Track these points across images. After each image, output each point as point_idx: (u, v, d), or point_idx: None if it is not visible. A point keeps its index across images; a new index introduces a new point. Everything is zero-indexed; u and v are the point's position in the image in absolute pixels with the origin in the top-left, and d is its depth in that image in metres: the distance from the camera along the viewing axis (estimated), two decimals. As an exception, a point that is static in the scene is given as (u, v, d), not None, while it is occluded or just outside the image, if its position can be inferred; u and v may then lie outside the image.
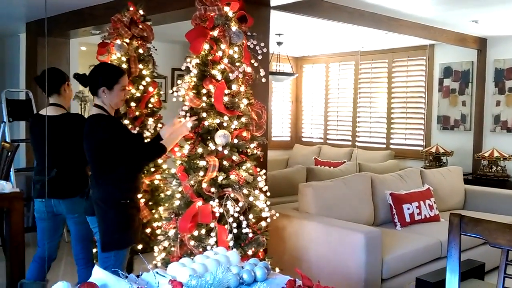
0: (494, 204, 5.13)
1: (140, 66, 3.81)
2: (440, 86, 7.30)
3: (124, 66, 3.74)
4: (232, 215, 2.84)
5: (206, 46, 2.96)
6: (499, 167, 6.34)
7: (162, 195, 3.68)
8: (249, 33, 3.04)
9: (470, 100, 6.98)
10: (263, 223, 3.02)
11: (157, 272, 1.69)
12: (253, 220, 2.97)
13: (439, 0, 4.78)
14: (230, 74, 2.91)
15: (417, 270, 3.79)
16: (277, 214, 3.12)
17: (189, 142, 2.96)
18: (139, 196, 3.23)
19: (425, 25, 5.83)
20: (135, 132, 3.57)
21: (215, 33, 2.94)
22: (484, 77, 6.83)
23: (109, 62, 3.79)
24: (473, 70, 6.95)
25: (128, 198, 2.81)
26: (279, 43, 7.04)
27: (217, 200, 2.86)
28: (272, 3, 3.97)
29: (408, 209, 4.44)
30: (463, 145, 6.98)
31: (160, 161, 3.87)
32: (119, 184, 2.78)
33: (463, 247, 1.80)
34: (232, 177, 2.90)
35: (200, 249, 2.80)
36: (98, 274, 1.66)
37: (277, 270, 2.88)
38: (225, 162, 2.91)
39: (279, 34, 6.65)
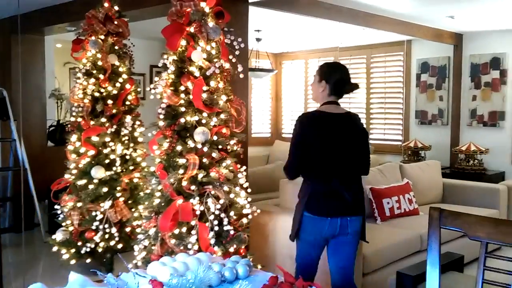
0: (471, 197, 5.21)
1: (117, 62, 3.75)
2: (417, 81, 7.37)
3: (100, 63, 3.69)
4: (213, 213, 2.81)
5: (183, 42, 2.92)
6: (476, 161, 6.43)
7: (141, 193, 3.64)
8: (226, 29, 3.01)
9: (447, 95, 7.07)
10: (244, 220, 3.00)
11: (136, 273, 1.66)
12: (234, 217, 2.95)
13: (416, -5, 4.82)
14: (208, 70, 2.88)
15: (397, 263, 3.82)
16: (258, 211, 3.10)
17: (167, 140, 2.93)
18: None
19: (402, 21, 5.87)
20: None
21: (192, 29, 2.91)
22: (461, 72, 6.93)
23: (84, 59, 3.74)
24: (450, 65, 7.04)
25: None
26: (258, 40, 7.02)
27: (197, 198, 2.83)
28: (250, -1, 3.96)
29: (388, 203, 4.48)
30: (441, 139, 7.06)
31: (139, 159, 3.83)
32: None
33: (442, 240, 1.82)
34: (212, 174, 2.87)
35: (181, 248, 2.78)
36: (73, 277, 1.62)
37: (259, 267, 2.87)
38: (205, 160, 2.88)
39: (258, 31, 6.63)
